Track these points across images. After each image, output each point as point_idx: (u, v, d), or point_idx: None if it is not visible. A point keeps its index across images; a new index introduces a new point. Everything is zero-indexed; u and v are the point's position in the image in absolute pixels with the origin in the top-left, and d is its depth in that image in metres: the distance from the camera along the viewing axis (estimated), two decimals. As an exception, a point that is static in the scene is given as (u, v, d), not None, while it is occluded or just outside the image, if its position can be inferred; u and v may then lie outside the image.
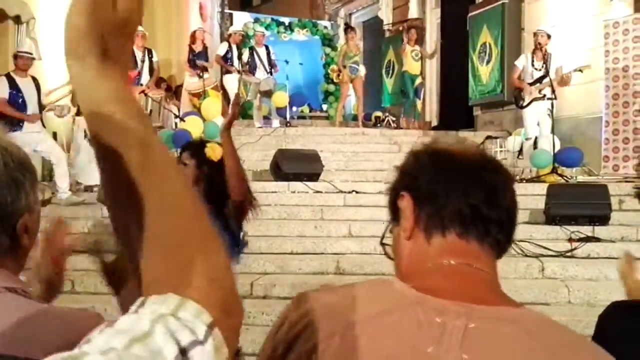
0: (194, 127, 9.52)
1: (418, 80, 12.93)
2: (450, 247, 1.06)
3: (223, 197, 3.07)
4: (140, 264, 0.66)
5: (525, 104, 9.40)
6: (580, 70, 9.06)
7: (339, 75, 13.20)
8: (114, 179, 0.67)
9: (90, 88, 0.65)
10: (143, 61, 11.26)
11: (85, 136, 9.18)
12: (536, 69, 9.36)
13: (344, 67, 12.70)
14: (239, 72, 12.25)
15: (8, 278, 1.18)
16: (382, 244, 1.18)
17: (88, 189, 8.65)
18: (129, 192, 0.65)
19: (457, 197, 1.06)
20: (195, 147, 3.25)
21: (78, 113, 9.55)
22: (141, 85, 11.01)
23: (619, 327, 1.36)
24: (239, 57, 12.48)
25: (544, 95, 9.19)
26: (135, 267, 0.67)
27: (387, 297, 1.03)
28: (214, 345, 0.59)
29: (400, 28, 15.22)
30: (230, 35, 12.90)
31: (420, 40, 13.48)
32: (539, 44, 9.37)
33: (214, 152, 3.16)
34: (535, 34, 9.59)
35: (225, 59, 12.27)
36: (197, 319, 0.59)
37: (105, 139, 0.66)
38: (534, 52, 9.50)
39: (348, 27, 14.14)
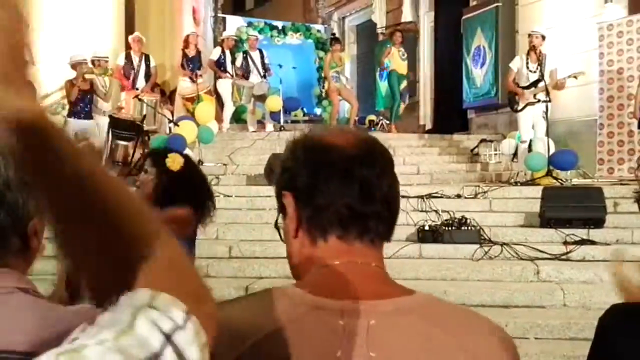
0: (188, 132, 9.50)
1: (404, 83, 12.95)
2: (333, 250, 1.06)
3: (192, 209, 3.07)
4: (90, 274, 0.69)
5: (520, 107, 9.40)
6: (575, 77, 9.08)
7: (326, 90, 13.46)
8: (58, 199, 0.67)
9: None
10: (139, 66, 11.27)
11: (76, 138, 9.16)
12: (531, 70, 9.36)
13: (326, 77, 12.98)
14: (232, 76, 12.25)
15: (20, 278, 1.23)
16: (277, 228, 1.17)
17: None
18: (74, 206, 0.66)
19: (333, 197, 1.05)
20: (157, 156, 3.26)
21: (69, 115, 9.54)
22: (137, 89, 11.01)
23: (620, 329, 1.35)
24: (233, 62, 12.48)
25: (539, 100, 9.20)
26: (87, 277, 0.70)
27: (285, 307, 1.01)
28: (194, 330, 0.62)
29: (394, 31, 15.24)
30: (223, 40, 12.91)
31: (413, 43, 13.50)
32: (534, 45, 9.38)
33: (174, 162, 3.17)
34: (530, 35, 9.60)
35: (219, 63, 12.27)
36: (173, 306, 0.62)
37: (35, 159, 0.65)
38: (528, 54, 9.50)
39: (334, 39, 14.26)
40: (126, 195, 0.70)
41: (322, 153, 1.08)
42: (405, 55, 12.90)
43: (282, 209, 1.12)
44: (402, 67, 12.86)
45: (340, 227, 1.06)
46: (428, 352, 0.98)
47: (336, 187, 1.05)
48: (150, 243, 0.68)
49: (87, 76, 9.81)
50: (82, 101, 9.68)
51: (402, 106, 13.16)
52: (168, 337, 0.60)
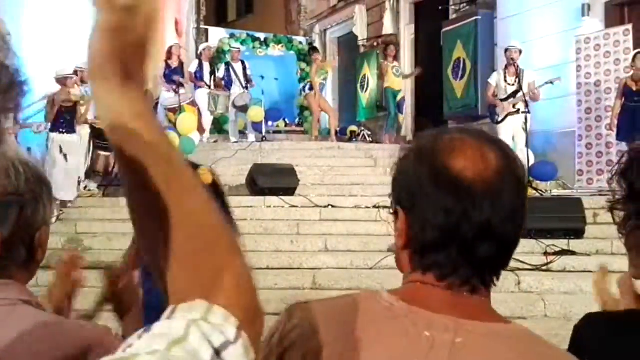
0: (169, 143, 9.46)
1: (400, 95, 13.03)
2: (430, 283, 1.02)
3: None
4: (164, 272, 0.70)
5: (500, 119, 9.50)
6: (551, 82, 9.18)
7: (304, 90, 13.61)
8: (139, 192, 0.71)
9: (115, 108, 0.68)
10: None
11: (61, 151, 9.08)
12: (509, 84, 9.48)
13: (311, 88, 13.11)
14: (208, 86, 12.29)
15: (22, 291, 1.24)
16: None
17: (63, 204, 8.55)
18: (154, 204, 0.69)
19: (448, 239, 0.98)
20: None
21: (52, 129, 9.45)
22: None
23: (594, 339, 1.37)
24: (212, 73, 12.53)
25: (518, 110, 9.30)
26: (160, 274, 0.71)
27: (375, 309, 1.01)
28: (244, 346, 0.64)
29: (375, 44, 15.33)
30: (201, 52, 12.98)
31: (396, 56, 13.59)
32: (512, 59, 9.49)
33: (206, 176, 3.19)
34: (507, 50, 9.72)
35: (196, 74, 12.30)
36: (226, 322, 0.65)
37: (130, 155, 0.69)
38: (506, 68, 9.62)
39: (312, 49, 14.39)
40: (214, 208, 0.72)
41: (452, 181, 0.98)
42: (399, 71, 12.96)
43: (395, 213, 1.07)
44: (396, 83, 12.92)
45: (441, 271, 1.01)
46: None
47: (450, 225, 0.98)
48: (229, 257, 0.71)
49: (72, 98, 9.70)
50: (65, 116, 9.58)
51: (401, 117, 13.22)
52: (218, 352, 0.62)
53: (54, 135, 9.29)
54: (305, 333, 1.00)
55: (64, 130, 9.49)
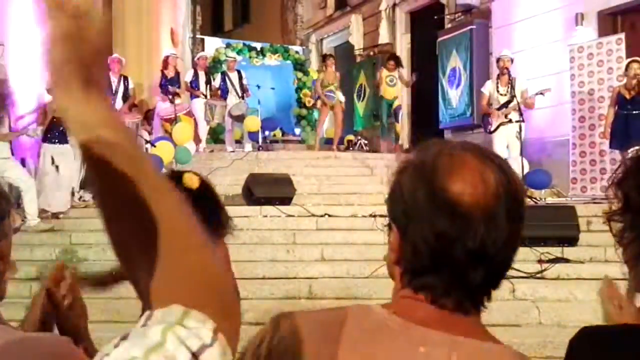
0: (165, 153, 9.48)
1: (396, 103, 13.02)
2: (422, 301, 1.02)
3: (209, 227, 3.05)
4: (139, 278, 0.71)
5: (492, 128, 9.55)
6: (542, 93, 9.24)
7: (315, 103, 13.44)
8: (110, 199, 0.71)
9: (80, 115, 0.69)
10: (117, 87, 11.25)
11: (53, 162, 9.07)
12: (501, 94, 9.54)
13: (319, 96, 12.92)
14: (205, 96, 12.30)
15: None
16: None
17: (55, 215, 8.54)
18: (125, 209, 0.69)
19: (441, 264, 0.98)
20: (171, 178, 3.25)
21: (44, 139, 9.45)
22: (115, 110, 10.98)
23: (589, 353, 1.36)
24: (207, 82, 12.54)
25: (510, 120, 9.36)
26: (135, 281, 0.72)
27: (368, 323, 1.00)
28: (220, 348, 0.65)
29: (371, 53, 15.39)
30: (196, 62, 13.01)
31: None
32: (506, 68, 9.56)
33: (192, 180, 3.15)
34: (499, 60, 9.78)
35: (191, 84, 12.32)
36: (203, 325, 0.65)
37: (99, 162, 0.69)
38: (498, 78, 9.68)
39: (326, 56, 14.30)
40: (186, 211, 0.73)
41: (450, 202, 0.96)
42: (394, 81, 12.98)
43: (390, 225, 1.07)
44: (388, 92, 12.91)
45: (433, 295, 1.00)
46: None
47: (444, 249, 0.97)
48: (201, 258, 0.71)
49: (54, 107, 9.74)
50: (57, 126, 9.57)
51: (398, 125, 13.20)
52: (195, 356, 0.62)
53: (46, 145, 9.29)
54: (294, 345, 0.99)
55: (56, 141, 9.48)
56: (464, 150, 1.02)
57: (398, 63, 13.03)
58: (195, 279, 0.69)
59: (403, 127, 14.81)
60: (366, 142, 14.15)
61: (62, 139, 9.63)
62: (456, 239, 0.96)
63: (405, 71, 14.00)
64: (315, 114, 15.20)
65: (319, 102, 13.08)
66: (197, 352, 0.62)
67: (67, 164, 9.03)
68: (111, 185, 0.69)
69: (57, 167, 8.91)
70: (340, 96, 13.05)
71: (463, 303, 1.01)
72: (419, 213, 0.98)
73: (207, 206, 3.13)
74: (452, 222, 0.96)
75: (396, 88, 12.97)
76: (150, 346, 0.61)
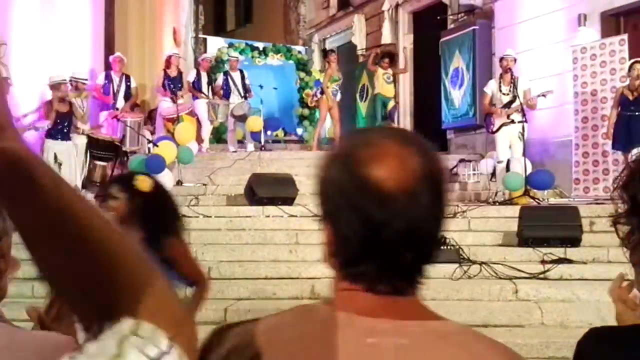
0: (168, 152, 9.47)
1: (391, 104, 13.03)
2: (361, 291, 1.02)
3: (158, 231, 3.07)
4: (73, 301, 0.70)
5: (495, 128, 9.54)
6: (544, 95, 9.24)
7: (314, 99, 13.38)
8: (33, 224, 0.68)
9: None
10: (119, 86, 11.27)
11: (55, 160, 9.10)
12: (504, 93, 9.53)
13: (322, 92, 12.87)
14: (207, 96, 12.31)
15: None
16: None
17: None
18: (50, 234, 0.67)
19: (372, 251, 0.99)
20: (124, 180, 3.25)
21: (47, 135, 9.48)
22: (117, 109, 11.00)
23: (597, 354, 1.35)
24: (209, 83, 12.55)
25: (512, 120, 9.35)
26: (70, 303, 0.71)
27: (314, 322, 1.01)
28: (178, 354, 0.64)
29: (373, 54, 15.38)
30: (199, 62, 13.03)
31: (393, 65, 13.60)
32: (509, 68, 9.55)
33: (143, 183, 3.14)
34: (502, 59, 9.77)
35: (194, 84, 12.33)
36: (157, 334, 0.64)
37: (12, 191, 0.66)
38: (501, 77, 9.67)
39: (328, 51, 14.23)
40: (103, 222, 0.70)
41: (370, 188, 0.98)
42: (391, 78, 12.99)
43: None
44: (386, 90, 12.93)
45: (369, 284, 1.01)
46: None
47: (373, 236, 0.99)
48: (144, 274, 0.70)
49: (68, 97, 9.75)
50: (60, 123, 9.61)
51: (394, 125, 13.23)
52: None
53: (49, 142, 9.31)
54: (246, 355, 0.98)
55: (59, 137, 9.52)
56: (383, 138, 1.03)
57: (392, 60, 13.05)
58: (144, 294, 0.68)
59: (405, 127, 14.82)
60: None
61: (65, 135, 9.67)
62: (383, 223, 0.97)
63: (403, 61, 13.96)
64: (318, 114, 15.19)
65: (322, 98, 12.97)
66: (156, 359, 0.62)
67: (69, 161, 9.05)
68: (31, 214, 0.67)
69: (59, 165, 8.93)
70: (338, 95, 13.05)
71: (398, 285, 1.02)
72: (345, 203, 1.00)
73: (160, 207, 3.17)
74: (377, 207, 0.97)
75: (392, 86, 12.97)
76: (108, 357, 0.61)
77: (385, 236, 0.98)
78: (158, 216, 3.10)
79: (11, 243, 1.28)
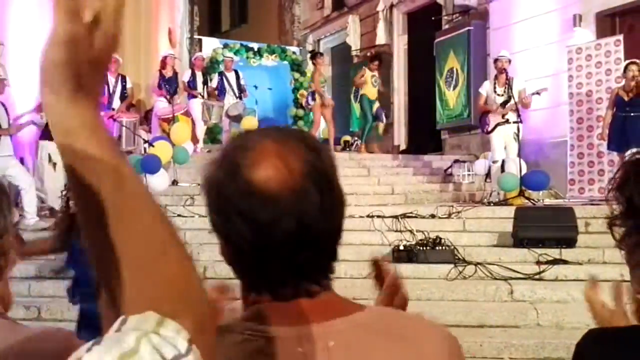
0: (163, 152, 9.47)
1: (375, 105, 13.02)
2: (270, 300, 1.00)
3: None
4: (114, 288, 0.68)
5: (490, 128, 9.54)
6: (538, 93, 9.25)
7: (308, 106, 13.42)
8: (88, 207, 0.69)
9: (63, 117, 0.67)
10: (115, 87, 11.25)
11: (50, 160, 9.07)
12: (498, 94, 9.53)
13: (314, 98, 12.89)
14: (202, 96, 12.30)
15: None
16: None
17: (55, 213, 8.55)
18: (102, 221, 0.67)
19: (265, 256, 0.96)
20: None
21: (42, 136, 9.44)
22: (113, 109, 10.98)
23: (596, 355, 1.35)
24: (204, 83, 12.55)
25: (508, 120, 9.35)
26: (110, 291, 0.69)
27: (236, 342, 0.96)
28: (195, 358, 0.63)
29: (368, 54, 15.38)
30: (193, 62, 13.03)
31: (387, 66, 13.62)
32: (504, 69, 9.55)
33: None
34: (496, 60, 9.77)
35: (189, 84, 12.33)
36: (178, 335, 0.63)
37: (78, 169, 0.67)
38: (496, 78, 9.67)
39: (316, 53, 14.22)
40: (166, 223, 0.71)
41: (250, 201, 0.95)
42: (378, 81, 12.98)
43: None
44: (372, 92, 12.93)
45: (271, 292, 0.99)
46: None
47: (264, 241, 0.96)
48: (178, 270, 0.70)
49: None
50: None
51: (382, 126, 13.26)
52: None
53: (43, 142, 9.29)
54: None
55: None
56: (262, 138, 1.00)
57: (381, 63, 13.09)
58: (172, 289, 0.68)
59: (400, 128, 14.83)
60: (360, 142, 14.16)
61: None
62: (270, 224, 0.94)
63: (401, 73, 14.00)
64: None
65: (315, 100, 12.96)
66: None
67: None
68: (81, 194, 0.68)
69: (54, 165, 8.92)
70: (328, 97, 13.11)
71: (303, 286, 0.99)
72: (232, 211, 0.96)
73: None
74: (263, 210, 0.94)
75: (377, 89, 12.99)
76: (124, 352, 0.60)
77: (274, 238, 0.95)
78: None
79: (12, 241, 1.27)
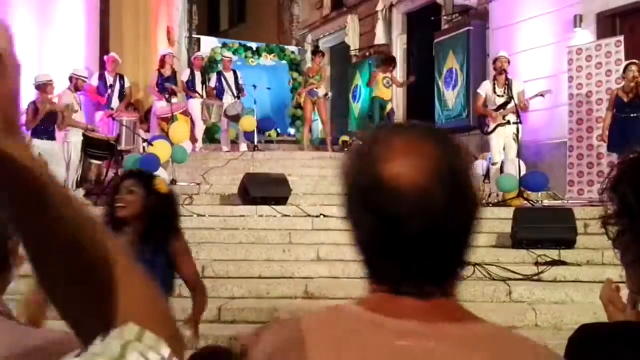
0: (162, 151, 9.45)
1: (389, 107, 12.98)
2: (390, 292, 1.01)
3: (166, 231, 3.35)
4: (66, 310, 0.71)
5: (490, 129, 9.53)
6: (542, 95, 9.23)
7: (300, 101, 13.46)
8: (34, 234, 0.69)
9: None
10: (113, 86, 11.23)
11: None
12: (498, 95, 9.51)
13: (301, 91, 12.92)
14: (201, 96, 12.29)
15: None
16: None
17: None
18: (51, 246, 0.68)
19: (391, 252, 0.98)
20: (144, 177, 3.52)
21: (33, 134, 9.39)
22: (111, 109, 10.96)
23: (589, 350, 1.35)
24: (203, 82, 12.54)
25: (508, 121, 9.33)
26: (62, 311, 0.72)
27: (341, 324, 0.99)
28: None
29: (367, 53, 15.37)
30: (192, 61, 13.03)
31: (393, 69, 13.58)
32: (503, 69, 9.52)
33: (162, 185, 3.46)
34: (496, 60, 9.74)
35: (188, 84, 12.32)
36: (159, 343, 0.67)
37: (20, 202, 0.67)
38: (495, 78, 9.65)
39: (318, 51, 14.23)
40: (93, 225, 0.72)
41: (381, 196, 0.97)
42: (390, 82, 12.95)
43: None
44: (385, 93, 12.89)
45: (391, 285, 1.00)
46: None
47: (390, 237, 0.97)
48: (148, 294, 0.74)
49: (57, 108, 9.63)
50: (45, 122, 9.49)
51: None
52: None
53: (33, 141, 9.23)
54: (296, 352, 0.97)
55: (44, 137, 9.42)
56: (398, 133, 1.02)
57: (394, 65, 13.03)
58: (150, 306, 0.73)
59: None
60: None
61: (50, 135, 9.58)
62: (396, 222, 0.96)
63: (400, 73, 13.98)
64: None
65: (306, 99, 13.00)
66: None
67: (53, 161, 8.89)
68: (33, 225, 0.69)
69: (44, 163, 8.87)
70: (321, 93, 13.02)
71: (425, 286, 0.99)
72: (363, 203, 0.99)
73: (171, 208, 3.51)
74: (389, 205, 0.96)
75: (390, 90, 12.96)
76: (111, 358, 0.63)
77: (402, 234, 0.96)
78: (167, 217, 3.37)
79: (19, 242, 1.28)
